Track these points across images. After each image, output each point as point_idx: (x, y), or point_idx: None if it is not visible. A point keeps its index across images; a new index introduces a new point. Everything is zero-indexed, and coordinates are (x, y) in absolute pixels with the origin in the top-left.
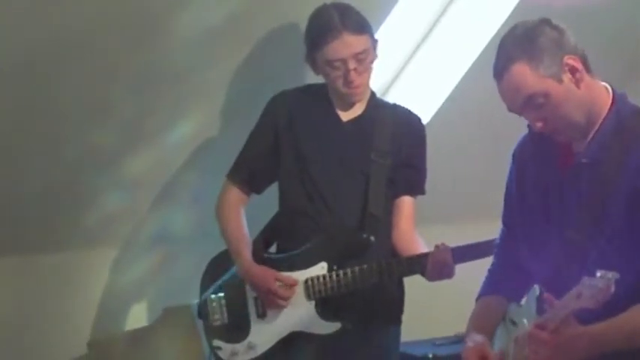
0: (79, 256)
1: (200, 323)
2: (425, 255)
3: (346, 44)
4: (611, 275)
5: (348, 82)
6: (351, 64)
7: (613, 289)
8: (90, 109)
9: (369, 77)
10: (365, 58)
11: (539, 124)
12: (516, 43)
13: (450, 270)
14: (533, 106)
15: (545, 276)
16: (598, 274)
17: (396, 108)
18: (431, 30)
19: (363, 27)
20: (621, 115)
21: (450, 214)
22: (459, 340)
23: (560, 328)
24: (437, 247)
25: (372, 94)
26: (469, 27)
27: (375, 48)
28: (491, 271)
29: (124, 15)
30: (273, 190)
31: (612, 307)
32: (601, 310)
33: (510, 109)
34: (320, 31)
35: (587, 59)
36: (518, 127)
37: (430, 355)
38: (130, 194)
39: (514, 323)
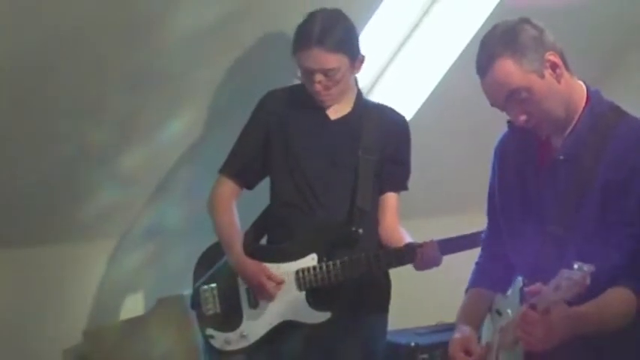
0: (75, 248)
1: (193, 313)
2: (412, 247)
3: (313, 58)
4: (587, 268)
5: (312, 90)
6: (317, 77)
7: (588, 281)
8: (85, 106)
9: (338, 90)
10: (334, 75)
11: (522, 118)
12: (499, 40)
13: (437, 261)
14: (516, 100)
15: (526, 268)
16: (575, 266)
17: (381, 107)
18: (413, 30)
19: (340, 46)
20: (596, 112)
21: (435, 208)
22: (441, 329)
23: (550, 309)
24: (425, 243)
25: (359, 93)
26: (450, 27)
27: (355, 64)
28: (479, 264)
29: (117, 15)
30: (264, 185)
31: (592, 294)
32: (582, 296)
33: (493, 104)
34: (298, 35)
35: (564, 57)
36: (497, 124)
37: (412, 344)
38: (125, 189)
39: (499, 313)
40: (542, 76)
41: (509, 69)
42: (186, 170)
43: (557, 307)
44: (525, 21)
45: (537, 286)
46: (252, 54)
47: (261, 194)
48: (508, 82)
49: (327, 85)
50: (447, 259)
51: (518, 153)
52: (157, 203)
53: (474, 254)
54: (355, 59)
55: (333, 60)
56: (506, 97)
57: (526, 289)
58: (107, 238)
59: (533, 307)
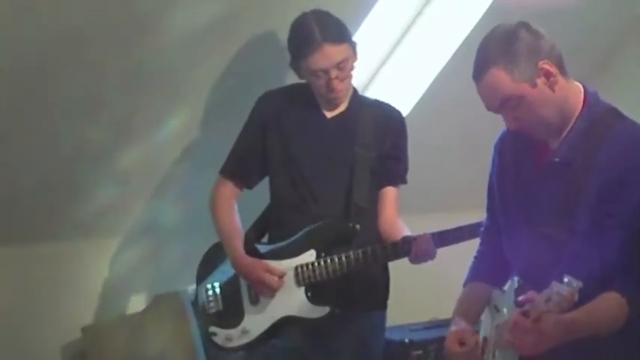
0: (73, 246)
1: (190, 309)
2: (407, 241)
3: (327, 56)
4: (576, 284)
5: (330, 89)
6: (333, 73)
7: (577, 298)
8: (83, 105)
9: (350, 82)
10: (345, 66)
11: (514, 124)
12: (494, 48)
13: (431, 254)
14: (508, 107)
15: (521, 267)
16: (565, 279)
17: (377, 103)
18: (408, 29)
19: (342, 36)
20: (593, 114)
21: (430, 205)
22: (434, 325)
23: (541, 317)
24: (419, 235)
25: (355, 91)
26: (444, 27)
27: (355, 51)
28: (477, 258)
29: (116, 15)
30: (265, 184)
31: (585, 296)
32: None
33: (488, 109)
34: (301, 43)
35: (562, 62)
36: (491, 122)
37: (406, 340)
38: (122, 187)
39: (497, 310)
40: (535, 85)
41: (501, 78)
42: (183, 169)
43: (548, 314)
44: (523, 26)
45: (530, 294)
46: (250, 53)
47: (263, 194)
48: (500, 91)
49: (342, 77)
50: (441, 256)
51: (516, 152)
52: (154, 201)
53: (467, 252)
54: (354, 45)
55: (343, 50)
56: (499, 104)
57: (519, 298)
58: (105, 235)
59: (525, 314)
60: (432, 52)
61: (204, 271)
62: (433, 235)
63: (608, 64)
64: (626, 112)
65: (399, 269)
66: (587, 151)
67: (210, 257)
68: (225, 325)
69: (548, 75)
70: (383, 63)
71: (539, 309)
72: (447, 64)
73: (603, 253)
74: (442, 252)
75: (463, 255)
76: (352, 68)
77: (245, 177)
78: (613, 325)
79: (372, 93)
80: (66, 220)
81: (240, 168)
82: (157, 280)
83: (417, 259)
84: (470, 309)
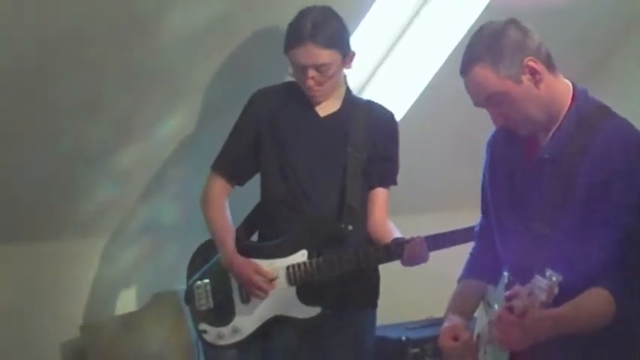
0: (72, 245)
1: (187, 308)
2: (400, 244)
3: (307, 54)
4: (555, 278)
5: (305, 87)
6: (310, 73)
7: (557, 291)
8: (82, 105)
9: (331, 85)
10: (326, 70)
11: (500, 120)
12: (481, 44)
13: (424, 257)
14: (493, 103)
15: (512, 264)
16: (547, 273)
17: (370, 104)
18: (404, 31)
19: (332, 42)
20: (581, 112)
21: (428, 205)
22: (431, 323)
23: (527, 311)
24: (412, 239)
25: (348, 91)
26: (441, 28)
27: (344, 60)
28: (472, 255)
29: (115, 14)
30: (255, 181)
31: (573, 292)
32: (563, 295)
33: (475, 104)
34: (290, 33)
35: (550, 59)
36: (486, 123)
37: (404, 338)
38: (121, 186)
39: (490, 305)
40: (520, 82)
41: (486, 75)
42: (181, 168)
43: (533, 309)
44: (511, 23)
45: (515, 289)
46: (248, 52)
47: (254, 190)
48: (485, 87)
49: (320, 80)
50: (438, 255)
51: (507, 149)
52: (153, 200)
53: (464, 250)
54: (346, 55)
55: (326, 55)
56: (484, 100)
57: (506, 293)
58: (104, 234)
59: (510, 309)
60: (428, 54)
61: (195, 267)
62: (427, 238)
63: (607, 61)
64: (624, 110)
65: (395, 268)
66: (576, 149)
67: (202, 254)
68: (215, 322)
69: (533, 72)
70: (379, 64)
71: (524, 302)
72: (443, 65)
73: (591, 251)
74: (439, 251)
75: (460, 254)
76: (334, 75)
77: (237, 174)
78: (599, 322)
79: (368, 94)
80: (66, 220)
81: (232, 165)
82: (156, 278)
83: (409, 262)
84: (463, 305)
